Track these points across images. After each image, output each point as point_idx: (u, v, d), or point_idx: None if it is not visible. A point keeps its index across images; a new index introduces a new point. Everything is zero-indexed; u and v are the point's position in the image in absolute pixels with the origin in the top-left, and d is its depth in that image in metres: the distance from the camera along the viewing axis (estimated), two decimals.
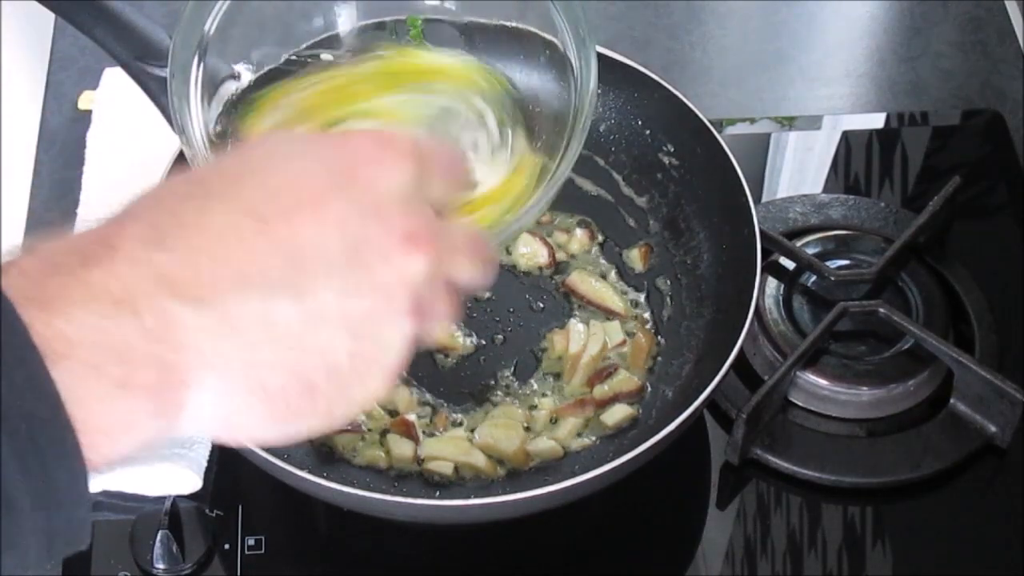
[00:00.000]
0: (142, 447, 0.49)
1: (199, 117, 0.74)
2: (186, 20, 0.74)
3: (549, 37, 0.79)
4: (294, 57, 0.79)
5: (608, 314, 1.00)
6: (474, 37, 0.81)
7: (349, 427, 0.93)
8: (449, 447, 0.93)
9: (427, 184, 0.57)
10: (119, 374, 0.47)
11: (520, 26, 0.81)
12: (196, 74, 0.74)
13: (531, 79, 0.80)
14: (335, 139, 0.57)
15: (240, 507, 0.94)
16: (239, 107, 0.77)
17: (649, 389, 0.97)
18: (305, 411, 0.53)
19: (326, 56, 0.80)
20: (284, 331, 0.51)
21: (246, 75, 0.78)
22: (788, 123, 1.18)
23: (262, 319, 0.50)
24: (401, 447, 0.93)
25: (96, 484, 0.92)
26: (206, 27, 0.74)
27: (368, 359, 0.54)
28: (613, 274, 1.02)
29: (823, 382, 0.99)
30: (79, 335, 0.46)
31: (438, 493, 0.91)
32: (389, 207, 0.54)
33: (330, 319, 0.52)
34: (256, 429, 0.53)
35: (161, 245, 0.49)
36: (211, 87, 0.75)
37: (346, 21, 0.81)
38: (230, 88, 0.77)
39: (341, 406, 0.54)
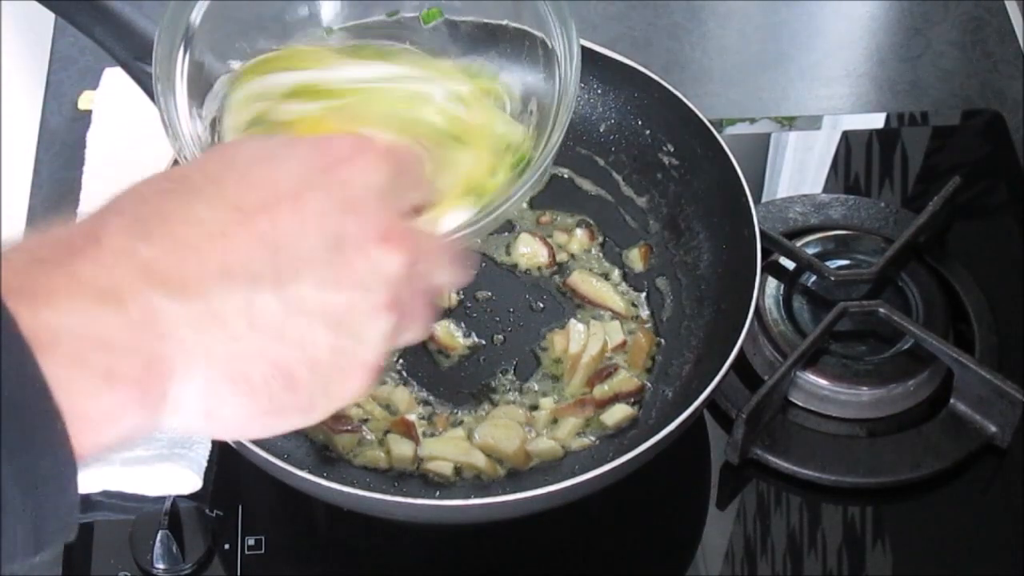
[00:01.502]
0: (127, 439, 0.49)
1: (187, 111, 0.74)
2: (169, 13, 0.74)
3: (532, 30, 0.79)
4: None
5: (608, 314, 1.00)
6: (458, 29, 0.81)
7: (349, 427, 0.93)
8: (449, 447, 0.93)
9: (401, 186, 0.59)
10: (104, 364, 0.47)
11: (504, 22, 0.81)
12: (181, 68, 0.74)
13: (514, 73, 0.80)
14: (314, 140, 0.59)
15: (240, 507, 0.94)
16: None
17: (649, 389, 0.97)
18: (288, 405, 0.54)
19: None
20: (266, 322, 0.52)
21: None
22: (788, 123, 1.18)
23: (245, 310, 0.51)
24: (401, 447, 0.93)
25: (96, 484, 0.93)
26: (191, 19, 0.74)
27: (348, 353, 0.55)
28: (616, 274, 1.02)
29: (823, 382, 0.98)
30: (65, 325, 0.46)
31: (438, 493, 0.91)
32: (366, 204, 0.56)
33: (310, 311, 0.53)
34: (240, 422, 0.54)
35: (145, 238, 0.50)
36: (205, 84, 0.75)
37: (332, 13, 0.81)
38: None
39: (323, 401, 0.55)
